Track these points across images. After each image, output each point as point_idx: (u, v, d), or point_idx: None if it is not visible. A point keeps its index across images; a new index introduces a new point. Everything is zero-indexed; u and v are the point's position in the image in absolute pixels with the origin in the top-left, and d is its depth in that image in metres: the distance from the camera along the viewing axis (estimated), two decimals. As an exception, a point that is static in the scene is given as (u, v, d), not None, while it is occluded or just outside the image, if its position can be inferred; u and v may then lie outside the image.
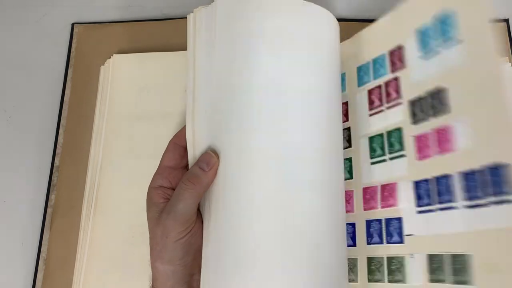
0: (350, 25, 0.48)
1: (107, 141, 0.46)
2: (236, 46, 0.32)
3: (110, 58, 0.49)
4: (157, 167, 0.44)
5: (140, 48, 0.50)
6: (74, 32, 0.52)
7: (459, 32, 0.30)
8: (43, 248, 0.44)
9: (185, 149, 0.34)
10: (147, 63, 0.48)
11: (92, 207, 0.44)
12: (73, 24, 0.53)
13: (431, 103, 0.32)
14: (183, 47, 0.48)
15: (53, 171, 0.47)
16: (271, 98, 0.31)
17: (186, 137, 0.33)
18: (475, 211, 0.28)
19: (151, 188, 0.34)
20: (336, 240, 0.32)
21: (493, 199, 0.27)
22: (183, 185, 0.31)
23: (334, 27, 0.36)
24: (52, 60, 0.52)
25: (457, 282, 0.28)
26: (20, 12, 0.55)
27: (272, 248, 0.29)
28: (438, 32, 0.31)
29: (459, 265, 0.28)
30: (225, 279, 0.29)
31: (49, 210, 0.46)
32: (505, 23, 0.49)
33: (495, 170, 0.27)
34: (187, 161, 0.34)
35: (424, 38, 0.33)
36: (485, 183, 0.27)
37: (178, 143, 0.34)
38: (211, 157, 0.31)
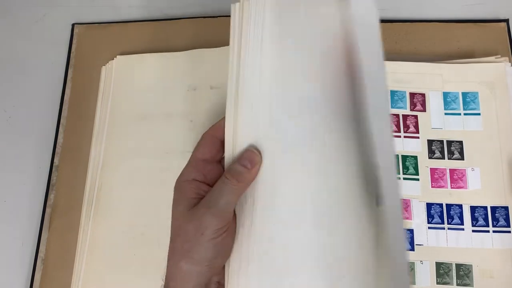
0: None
1: (108, 141, 0.46)
2: (289, 46, 0.32)
3: (112, 58, 0.49)
4: (157, 167, 0.44)
5: (140, 48, 0.50)
6: (74, 33, 0.52)
7: (479, 108, 0.44)
8: (41, 248, 0.44)
9: (221, 143, 0.32)
10: (149, 64, 0.48)
11: (92, 207, 0.44)
12: (73, 25, 0.53)
13: (448, 149, 0.44)
14: (184, 48, 0.49)
15: (53, 170, 0.47)
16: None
17: (225, 130, 0.32)
18: (479, 234, 0.41)
19: (184, 181, 0.31)
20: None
21: (492, 228, 0.41)
22: (227, 180, 0.29)
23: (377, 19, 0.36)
24: (52, 60, 0.52)
25: (460, 285, 0.40)
26: (20, 12, 0.55)
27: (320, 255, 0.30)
28: (462, 101, 0.45)
29: (462, 271, 0.40)
30: (268, 283, 0.29)
31: (48, 209, 0.46)
32: (505, 23, 0.48)
33: (496, 209, 0.42)
34: (222, 156, 0.33)
35: (448, 99, 0.45)
36: (487, 216, 0.42)
37: (216, 135, 0.32)
38: (254, 155, 0.30)
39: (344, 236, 0.30)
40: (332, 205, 0.31)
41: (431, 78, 0.46)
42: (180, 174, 0.32)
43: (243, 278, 0.30)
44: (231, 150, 0.31)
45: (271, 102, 0.31)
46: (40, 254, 0.44)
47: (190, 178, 0.31)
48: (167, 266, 0.30)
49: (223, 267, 0.31)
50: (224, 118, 0.32)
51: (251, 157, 0.30)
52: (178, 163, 0.33)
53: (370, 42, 0.32)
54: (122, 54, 0.49)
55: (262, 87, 0.32)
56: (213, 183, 0.31)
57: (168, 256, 0.31)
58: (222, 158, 0.32)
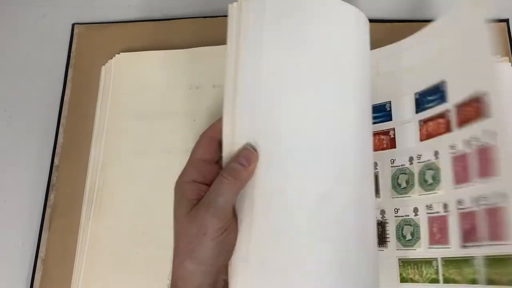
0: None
1: (108, 140, 0.46)
2: (287, 47, 0.32)
3: (111, 57, 0.49)
4: (158, 166, 0.44)
5: (140, 49, 0.50)
6: (74, 33, 0.52)
7: None
8: (42, 248, 0.44)
9: (219, 143, 0.32)
10: (149, 62, 0.48)
11: (92, 207, 0.44)
12: (73, 25, 0.53)
13: None
14: (184, 47, 0.48)
15: (53, 170, 0.47)
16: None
17: (223, 130, 0.32)
18: None
19: (184, 183, 0.32)
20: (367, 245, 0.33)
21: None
22: (224, 179, 0.30)
23: (367, 28, 0.37)
24: (52, 60, 0.52)
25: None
26: (20, 12, 0.55)
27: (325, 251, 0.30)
28: None
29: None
30: (271, 279, 0.29)
31: (48, 209, 0.46)
32: (505, 23, 0.49)
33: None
34: (221, 155, 0.33)
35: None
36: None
37: (214, 136, 0.33)
38: (251, 153, 0.30)
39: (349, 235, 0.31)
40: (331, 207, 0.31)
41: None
42: (180, 176, 0.32)
43: (242, 277, 0.30)
44: (229, 150, 0.32)
45: (269, 103, 0.32)
46: (40, 254, 0.44)
47: (189, 179, 0.32)
48: (173, 266, 0.31)
49: None
50: (221, 118, 0.32)
51: (247, 155, 0.30)
52: (180, 162, 0.33)
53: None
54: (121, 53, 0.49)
55: (261, 88, 0.32)
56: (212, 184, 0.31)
57: (173, 256, 0.31)
58: (221, 159, 0.33)
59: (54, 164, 0.47)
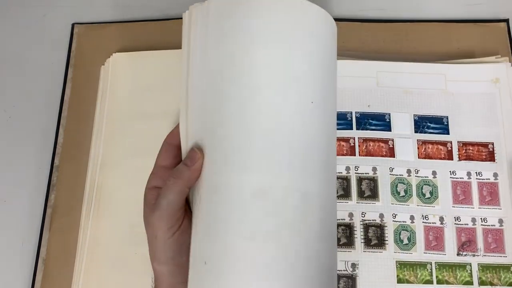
0: (348, 25, 0.49)
1: (107, 140, 0.46)
2: (227, 46, 0.32)
3: (110, 57, 0.49)
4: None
5: (140, 49, 0.50)
6: (74, 32, 0.52)
7: None
8: (42, 248, 0.44)
9: (178, 149, 0.33)
10: (147, 62, 0.48)
11: (92, 207, 0.44)
12: (73, 24, 0.53)
13: None
14: (183, 47, 0.48)
15: (53, 170, 0.47)
16: (261, 103, 0.31)
17: (180, 135, 0.33)
18: None
19: (146, 189, 0.33)
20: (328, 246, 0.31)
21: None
22: (167, 181, 0.31)
23: (332, 27, 0.36)
24: (52, 60, 0.52)
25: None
26: (20, 12, 0.55)
27: (261, 246, 0.28)
28: None
29: None
30: (212, 278, 0.28)
31: (48, 210, 0.46)
32: (505, 23, 0.49)
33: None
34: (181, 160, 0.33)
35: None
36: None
37: (171, 143, 0.34)
38: (195, 153, 0.31)
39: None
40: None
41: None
42: (147, 182, 0.34)
43: (191, 276, 0.30)
44: (185, 153, 0.32)
45: (212, 101, 0.31)
46: (41, 255, 0.44)
47: (152, 185, 0.33)
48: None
49: None
50: (179, 124, 0.33)
51: (192, 155, 0.31)
52: (178, 162, 0.33)
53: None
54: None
55: (206, 87, 0.32)
56: None
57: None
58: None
59: (54, 164, 0.47)
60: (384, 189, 0.43)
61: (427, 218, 0.42)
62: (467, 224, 0.42)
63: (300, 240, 0.29)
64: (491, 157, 0.44)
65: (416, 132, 0.45)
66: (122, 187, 0.44)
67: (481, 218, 0.42)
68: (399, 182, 0.43)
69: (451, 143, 0.44)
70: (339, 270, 0.42)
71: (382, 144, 0.44)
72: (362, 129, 0.45)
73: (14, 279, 0.44)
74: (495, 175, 0.43)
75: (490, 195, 0.43)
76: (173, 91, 0.47)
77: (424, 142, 0.44)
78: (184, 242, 0.31)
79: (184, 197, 0.31)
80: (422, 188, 0.43)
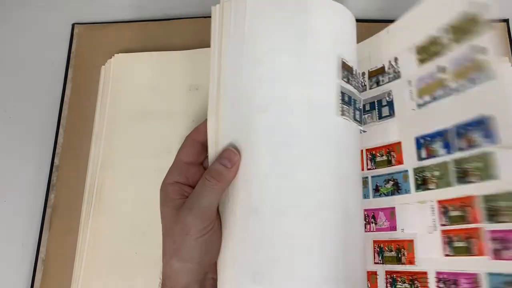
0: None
1: (107, 140, 0.46)
2: (268, 46, 0.32)
3: (111, 57, 0.49)
4: (157, 166, 0.44)
5: (141, 49, 0.50)
6: (74, 32, 0.52)
7: None
8: (42, 248, 0.44)
9: (203, 145, 0.33)
10: (148, 62, 0.48)
11: (92, 207, 0.44)
12: (73, 24, 0.53)
13: None
14: (184, 47, 0.48)
15: (53, 171, 0.47)
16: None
17: (208, 132, 0.32)
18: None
19: (167, 184, 0.33)
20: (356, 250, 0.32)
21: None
22: (206, 181, 0.30)
23: (353, 26, 0.36)
24: (52, 60, 0.52)
25: None
26: (20, 12, 0.55)
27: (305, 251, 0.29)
28: None
29: None
30: (253, 280, 0.29)
31: (48, 210, 0.46)
32: (505, 23, 0.49)
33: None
34: (205, 158, 0.33)
35: None
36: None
37: (197, 139, 0.33)
38: (233, 154, 0.30)
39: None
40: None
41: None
42: (165, 177, 0.33)
43: (228, 278, 0.30)
44: (213, 151, 0.32)
45: (250, 102, 0.31)
46: (41, 255, 0.44)
47: (173, 180, 0.33)
48: (162, 265, 0.31)
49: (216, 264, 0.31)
50: (206, 120, 0.33)
51: (230, 156, 0.30)
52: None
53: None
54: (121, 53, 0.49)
55: (241, 87, 0.32)
56: (196, 185, 0.31)
57: (162, 254, 0.31)
58: (205, 160, 0.33)
59: (54, 164, 0.47)
60: None
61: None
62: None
63: (348, 252, 0.31)
64: None
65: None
66: (122, 187, 0.44)
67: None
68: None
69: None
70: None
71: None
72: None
73: (14, 279, 0.44)
74: None
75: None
76: (175, 91, 0.47)
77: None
78: (213, 242, 0.31)
79: (220, 198, 0.31)
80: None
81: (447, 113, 0.35)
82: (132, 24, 0.52)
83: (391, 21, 0.50)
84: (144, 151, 0.45)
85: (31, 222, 0.46)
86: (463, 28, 0.33)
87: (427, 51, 0.37)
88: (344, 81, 0.33)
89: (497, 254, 0.30)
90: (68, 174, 0.47)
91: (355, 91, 0.35)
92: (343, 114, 0.32)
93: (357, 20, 0.49)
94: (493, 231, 0.30)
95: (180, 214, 0.30)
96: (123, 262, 0.42)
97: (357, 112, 0.35)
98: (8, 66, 0.52)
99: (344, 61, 0.33)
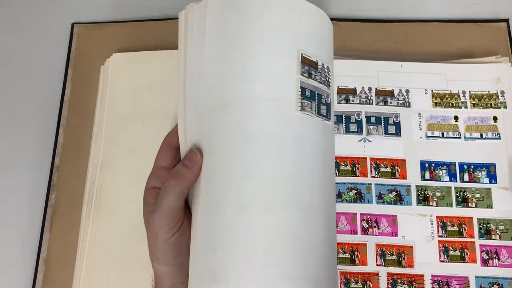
0: (348, 25, 0.49)
1: (107, 140, 0.46)
2: (227, 45, 0.32)
3: (109, 57, 0.49)
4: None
5: (140, 48, 0.50)
6: (74, 32, 0.52)
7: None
8: (43, 248, 0.44)
9: (177, 149, 0.33)
10: (147, 62, 0.48)
11: (92, 207, 0.44)
12: (73, 24, 0.53)
13: None
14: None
15: (53, 171, 0.47)
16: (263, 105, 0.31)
17: (179, 136, 0.33)
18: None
19: (146, 189, 0.34)
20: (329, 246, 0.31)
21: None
22: (167, 183, 0.31)
23: (328, 27, 0.36)
24: (52, 60, 0.52)
25: None
26: (20, 12, 0.55)
27: (262, 244, 0.28)
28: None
29: None
30: (212, 280, 0.28)
31: (49, 210, 0.46)
32: (505, 23, 0.49)
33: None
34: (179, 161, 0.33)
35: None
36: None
37: (170, 143, 0.34)
38: (194, 154, 0.31)
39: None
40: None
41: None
42: (146, 183, 0.34)
43: (190, 279, 0.30)
44: (184, 154, 0.32)
45: (210, 102, 0.31)
46: (42, 255, 0.44)
47: (150, 186, 0.33)
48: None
49: None
50: (177, 124, 0.33)
51: (191, 157, 0.31)
52: (177, 163, 0.33)
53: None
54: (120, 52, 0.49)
55: (204, 88, 0.32)
56: None
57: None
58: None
59: (54, 164, 0.47)
60: None
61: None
62: None
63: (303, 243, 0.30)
64: None
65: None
66: (122, 187, 0.44)
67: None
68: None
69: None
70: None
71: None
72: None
73: (15, 279, 0.44)
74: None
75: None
76: (173, 91, 0.47)
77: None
78: (184, 242, 0.31)
79: (183, 198, 0.31)
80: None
81: (455, 151, 0.45)
82: (132, 24, 0.52)
83: (391, 21, 0.50)
84: (144, 151, 0.45)
85: (32, 222, 0.46)
86: (483, 102, 0.45)
87: (444, 100, 0.46)
88: (305, 76, 0.33)
89: (485, 262, 0.42)
90: (69, 174, 0.47)
91: (320, 85, 0.34)
92: (302, 109, 0.32)
93: (358, 20, 0.50)
94: (483, 245, 0.42)
95: (149, 218, 0.32)
96: (123, 262, 0.42)
97: (323, 107, 0.34)
98: (8, 66, 0.52)
99: (306, 56, 0.33)
